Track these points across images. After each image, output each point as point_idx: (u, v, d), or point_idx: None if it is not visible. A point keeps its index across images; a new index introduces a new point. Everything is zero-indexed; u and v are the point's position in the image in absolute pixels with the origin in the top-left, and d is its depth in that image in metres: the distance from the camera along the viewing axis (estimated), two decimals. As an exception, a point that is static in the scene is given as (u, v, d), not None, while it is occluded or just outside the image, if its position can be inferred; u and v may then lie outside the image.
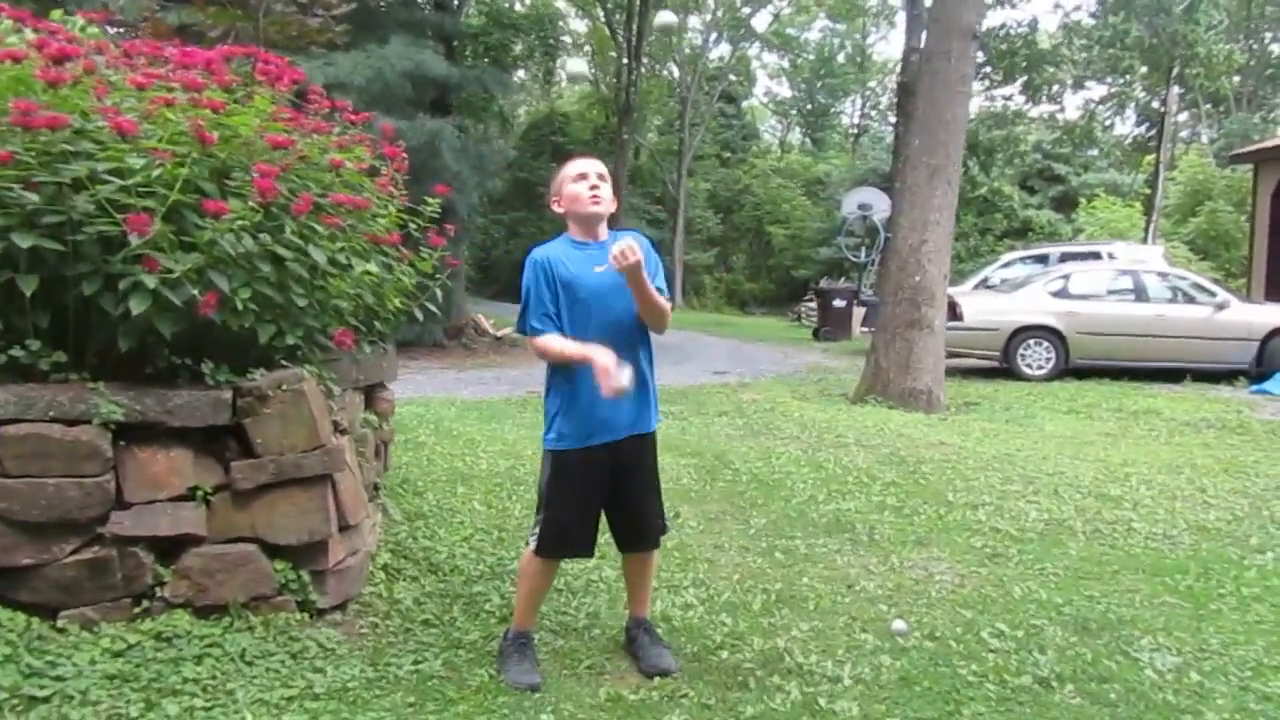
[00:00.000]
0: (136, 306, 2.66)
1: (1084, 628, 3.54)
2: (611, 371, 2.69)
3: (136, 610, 2.85)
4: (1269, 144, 16.46)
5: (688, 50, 34.47)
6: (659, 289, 2.91)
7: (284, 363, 3.15)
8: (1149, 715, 2.87)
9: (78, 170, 2.69)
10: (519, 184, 28.67)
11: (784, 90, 46.07)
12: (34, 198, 2.66)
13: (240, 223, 2.82)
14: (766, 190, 35.32)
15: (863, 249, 21.03)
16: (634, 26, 27.14)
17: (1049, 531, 4.91)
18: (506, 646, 2.97)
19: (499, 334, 15.40)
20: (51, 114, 2.65)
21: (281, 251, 2.97)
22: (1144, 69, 21.12)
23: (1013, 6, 19.33)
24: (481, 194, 13.60)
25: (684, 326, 21.04)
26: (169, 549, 2.89)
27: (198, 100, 2.97)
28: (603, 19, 31.05)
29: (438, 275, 3.94)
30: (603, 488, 2.97)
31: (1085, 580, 4.16)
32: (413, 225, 3.80)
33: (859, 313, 18.38)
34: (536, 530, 3.00)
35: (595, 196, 2.94)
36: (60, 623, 2.76)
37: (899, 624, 3.38)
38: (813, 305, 23.36)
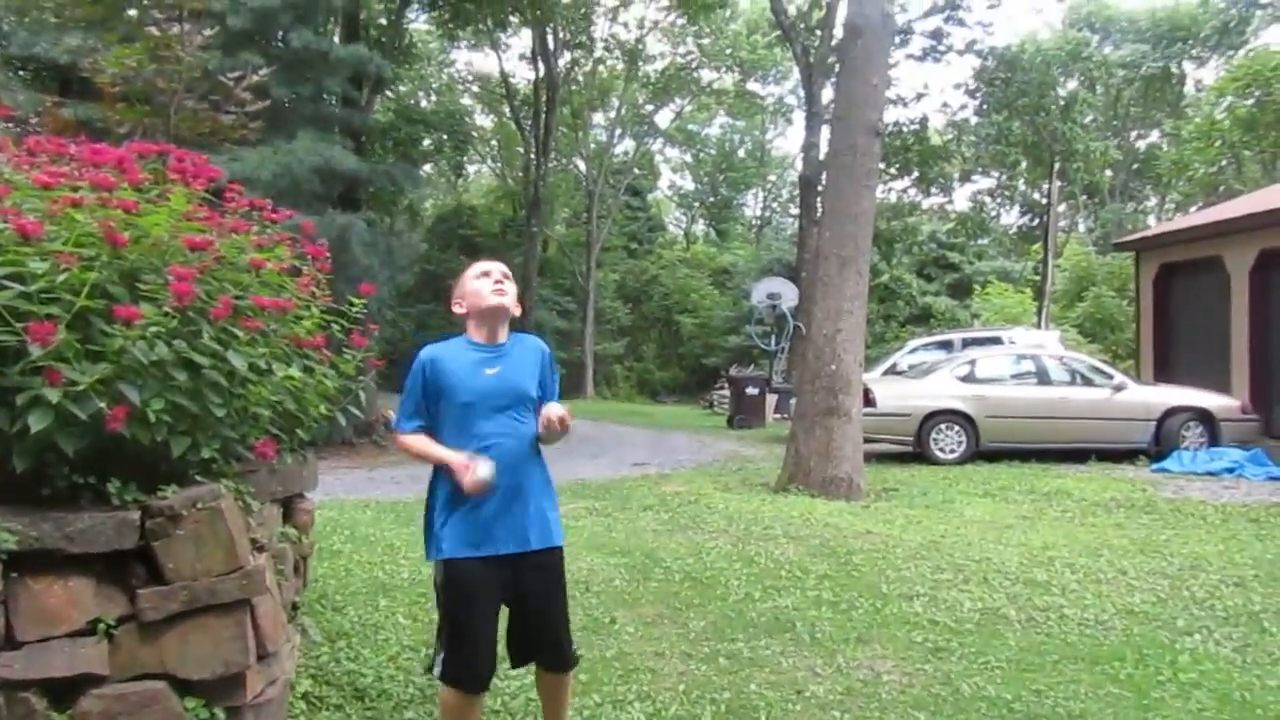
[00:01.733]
0: (36, 423, 2.42)
1: (1037, 726, 3.48)
2: (469, 465, 2.67)
3: (25, 765, 2.52)
4: (1149, 233, 17.46)
5: (593, 145, 35.17)
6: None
7: (198, 478, 2.92)
8: (1118, 820, 2.79)
9: (-28, 276, 2.47)
10: (427, 276, 28.47)
11: (687, 183, 47.32)
12: (-83, 306, 2.42)
13: (154, 329, 2.62)
14: (674, 280, 35.89)
15: (772, 337, 21.39)
16: (541, 122, 27.57)
17: (985, 621, 4.88)
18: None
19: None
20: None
21: (198, 359, 2.77)
22: (1026, 163, 22.38)
23: (904, 105, 20.29)
24: (391, 288, 13.40)
25: (598, 417, 20.94)
26: (64, 691, 2.59)
27: (107, 200, 2.78)
28: (509, 115, 31.54)
29: (360, 377, 3.77)
30: (496, 607, 2.82)
31: (1028, 673, 4.12)
32: (335, 326, 3.63)
33: (771, 400, 18.58)
34: (441, 658, 2.80)
35: (499, 288, 2.91)
36: (-67, 785, 2.43)
37: (855, 733, 3.26)
38: (724, 393, 23.57)
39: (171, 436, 2.75)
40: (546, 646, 2.88)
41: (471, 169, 39.60)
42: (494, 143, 35.73)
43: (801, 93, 32.89)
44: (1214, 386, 12.28)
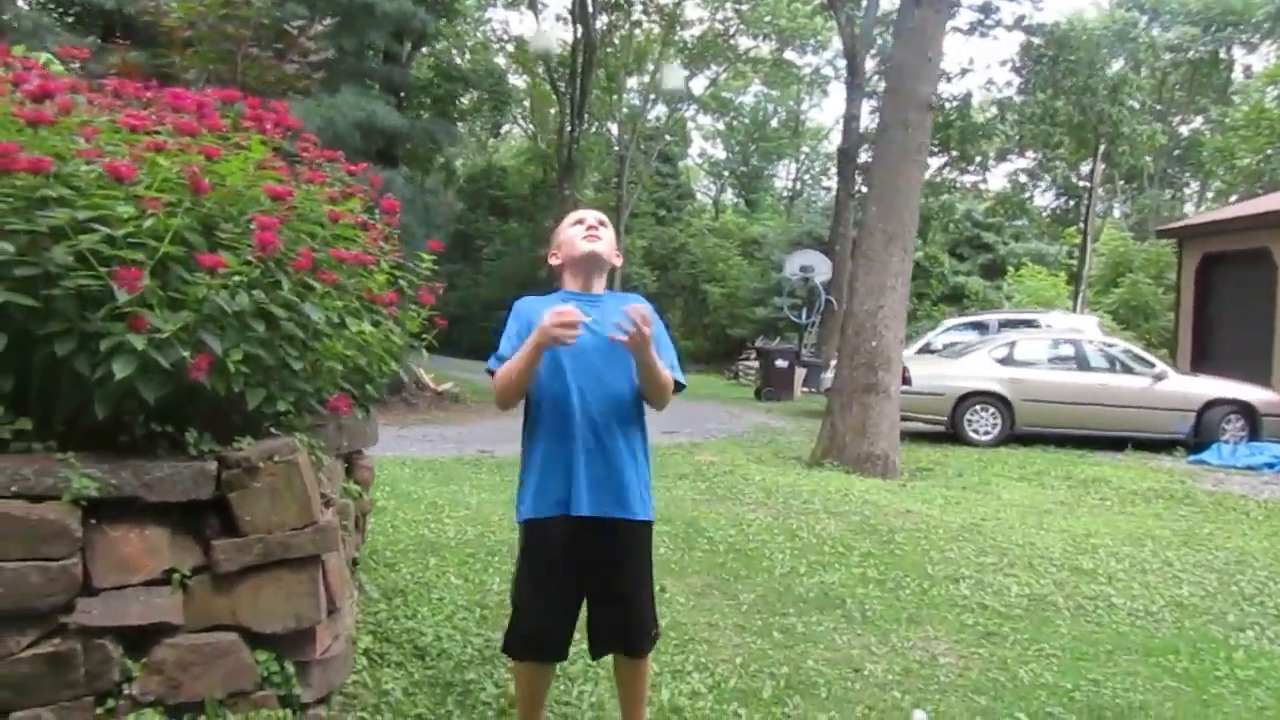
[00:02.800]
0: (121, 370, 2.39)
1: (1099, 716, 3.43)
2: (560, 312, 2.44)
3: (100, 710, 2.51)
4: (1194, 221, 17.16)
5: (626, 110, 34.85)
6: (670, 365, 2.69)
7: (272, 430, 2.89)
8: (1193, 817, 2.74)
9: (59, 217, 2.43)
10: (458, 236, 28.44)
11: (718, 152, 46.92)
12: (8, 247, 2.38)
13: (237, 278, 2.58)
14: (702, 249, 35.66)
15: (803, 310, 21.24)
16: (577, 84, 27.32)
17: (1034, 608, 4.83)
18: (514, 755, 2.71)
19: (440, 389, 15.03)
20: (34, 156, 2.39)
21: (276, 310, 2.73)
22: (1068, 145, 21.98)
23: (948, 80, 19.95)
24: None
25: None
26: (138, 640, 2.58)
27: (188, 145, 2.73)
28: (543, 76, 31.27)
29: (424, 336, 3.73)
30: (577, 576, 2.64)
31: (1083, 662, 4.07)
32: (402, 283, 3.58)
33: (800, 373, 18.48)
34: (508, 623, 2.73)
35: (591, 234, 2.76)
36: (11, 725, 2.43)
37: (920, 715, 3.22)
38: (750, 364, 23.49)
39: (248, 388, 2.72)
40: (628, 625, 2.69)
41: (501, 130, 39.39)
42: (525, 104, 35.49)
43: (839, 64, 32.48)
44: (1253, 380, 12.08)
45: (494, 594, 4.25)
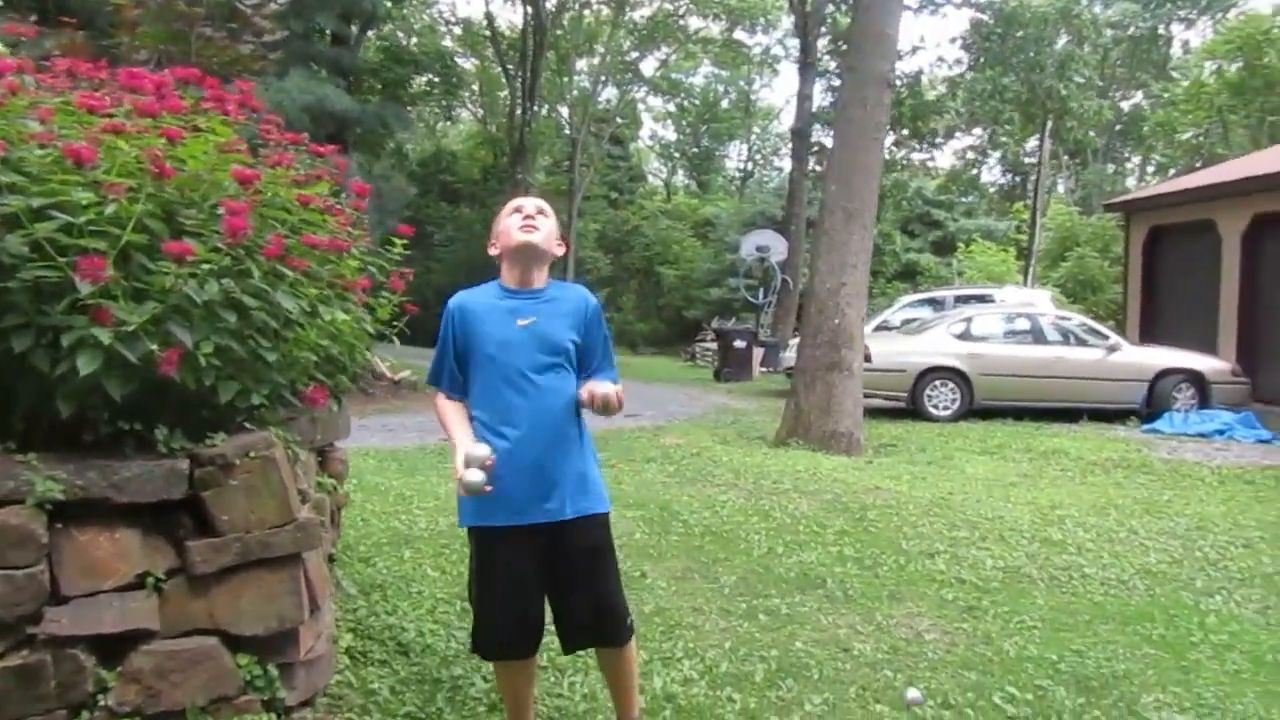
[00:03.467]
0: (86, 365, 2.26)
1: (1087, 687, 3.45)
2: (459, 470, 2.44)
3: (73, 723, 2.40)
4: (1140, 195, 17.45)
5: (576, 92, 34.55)
6: (610, 377, 2.69)
7: (245, 425, 2.77)
8: (1188, 785, 2.76)
9: (12, 205, 2.28)
10: (408, 223, 27.97)
11: (669, 134, 46.79)
12: (-43, 237, 2.24)
13: (206, 266, 2.45)
14: (655, 231, 35.59)
15: (760, 290, 21.27)
16: (528, 66, 27.00)
17: (1010, 580, 4.86)
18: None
19: (396, 377, 14.80)
20: (-17, 139, 2.25)
21: (246, 300, 2.60)
22: (1017, 121, 22.24)
23: (900, 58, 20.00)
24: (380, 233, 13.12)
25: (582, 368, 20.80)
26: (113, 648, 2.46)
27: (148, 128, 2.59)
28: (492, 58, 30.85)
29: (394, 323, 3.61)
30: (533, 577, 2.60)
31: (1064, 632, 4.10)
32: (372, 268, 3.46)
33: (758, 353, 18.52)
34: (471, 627, 2.68)
35: (528, 224, 2.65)
36: (-22, 743, 2.30)
37: (913, 693, 3.21)
38: (707, 345, 23.52)
39: (219, 381, 2.60)
40: (600, 620, 2.63)
41: (442, 115, 38.84)
42: (474, 87, 35.02)
43: (790, 43, 32.52)
44: (1200, 349, 12.32)
45: (473, 586, 4.16)
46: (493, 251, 2.76)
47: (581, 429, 2.70)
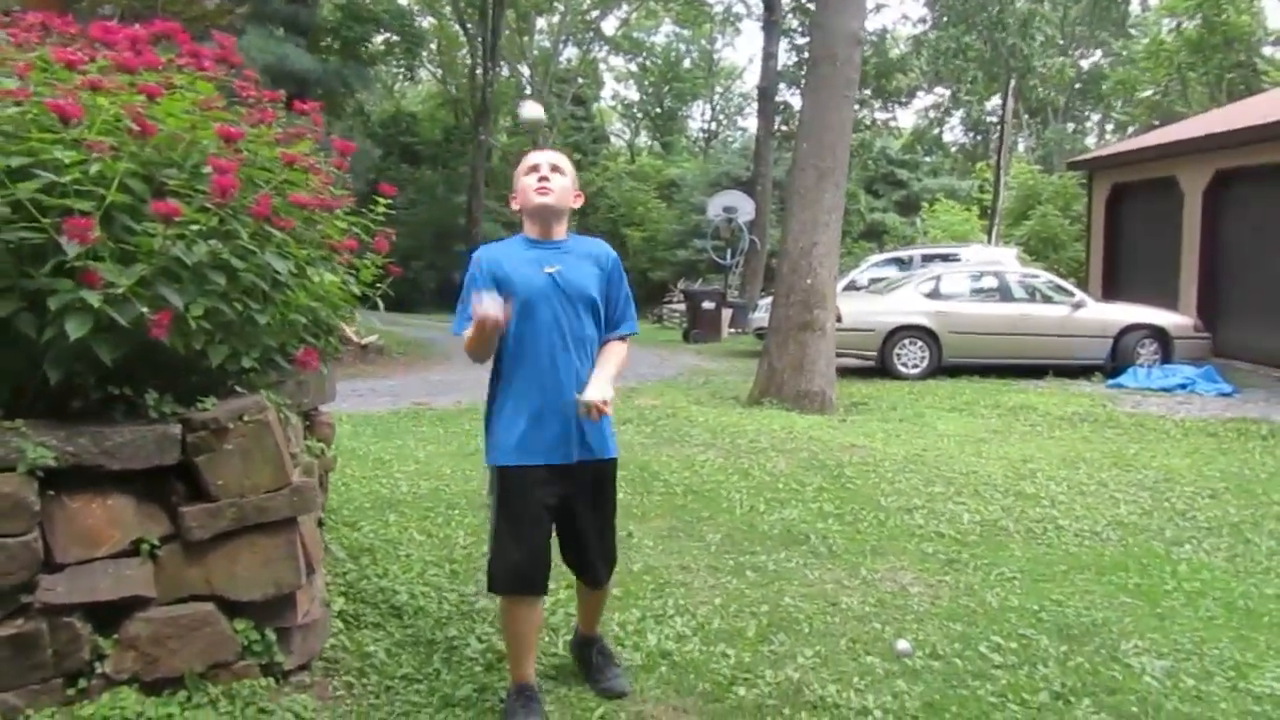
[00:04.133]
0: (75, 329, 2.20)
1: (1068, 635, 3.53)
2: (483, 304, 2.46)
3: (71, 692, 2.37)
4: (1103, 153, 17.61)
5: (537, 52, 34.09)
6: (628, 331, 2.87)
7: (237, 389, 2.73)
8: (1172, 726, 2.84)
9: (-7, 164, 2.21)
10: (370, 185, 27.62)
11: (632, 94, 46.36)
12: (-63, 198, 2.16)
13: (194, 227, 2.39)
14: (620, 193, 35.34)
15: (727, 251, 21.25)
16: (488, 24, 26.55)
17: (987, 534, 4.94)
18: (511, 704, 2.66)
19: (364, 342, 14.63)
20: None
21: (234, 261, 2.55)
22: (980, 79, 22.28)
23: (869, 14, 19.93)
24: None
25: (549, 331, 20.75)
26: (108, 616, 2.43)
27: (124, 85, 2.52)
28: (450, 16, 30.27)
29: (378, 285, 3.56)
30: (551, 514, 2.72)
31: (1042, 583, 4.18)
32: (354, 230, 3.40)
33: (727, 314, 18.56)
34: (489, 565, 2.73)
35: (543, 187, 2.73)
36: (-26, 714, 2.27)
37: (902, 644, 3.26)
38: (673, 307, 23.51)
39: (209, 345, 2.55)
40: (587, 561, 2.82)
41: (404, 74, 38.14)
42: (433, 46, 34.40)
43: (751, 1, 32.21)
44: (1162, 305, 12.53)
45: (460, 548, 4.15)
46: (514, 206, 2.84)
47: None
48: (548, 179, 2.73)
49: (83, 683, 2.38)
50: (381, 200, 3.32)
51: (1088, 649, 3.39)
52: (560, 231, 2.79)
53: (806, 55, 22.58)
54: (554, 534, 2.78)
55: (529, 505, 2.66)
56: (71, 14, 3.24)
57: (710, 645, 3.23)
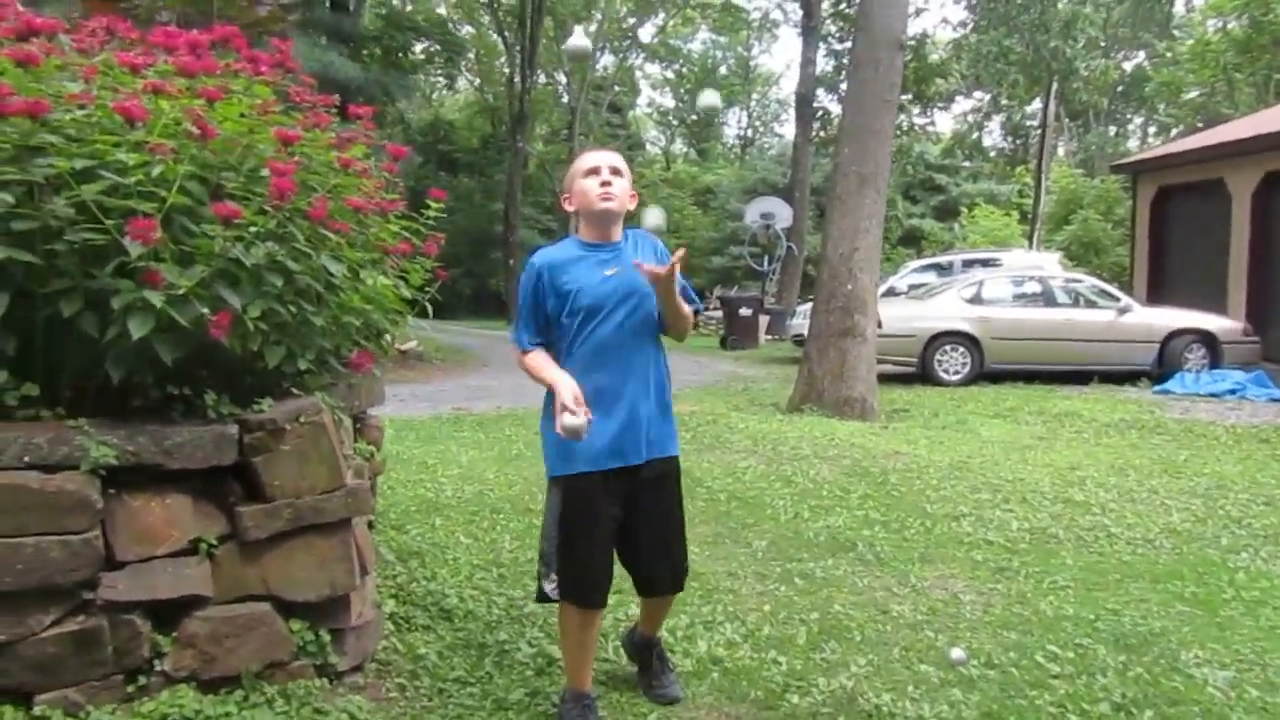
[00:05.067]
0: (138, 329, 2.23)
1: (1126, 644, 3.45)
2: (569, 408, 2.44)
3: (130, 689, 2.39)
4: (1148, 155, 17.34)
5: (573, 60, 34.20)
6: (694, 308, 2.78)
7: (294, 390, 2.74)
8: (1239, 739, 2.77)
9: (60, 165, 2.24)
10: (408, 193, 27.84)
11: (667, 101, 46.41)
12: (6, 198, 2.20)
13: (254, 229, 2.41)
14: (657, 200, 35.38)
15: (765, 258, 21.17)
16: (526, 32, 26.70)
17: (1037, 541, 4.86)
18: (567, 710, 2.64)
19: (404, 348, 14.75)
20: (29, 98, 2.20)
21: (290, 264, 2.56)
22: (1022, 83, 22.03)
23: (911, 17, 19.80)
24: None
25: (586, 337, 20.82)
26: (167, 614, 2.45)
27: (190, 88, 2.55)
28: (488, 25, 30.48)
29: (427, 289, 3.57)
30: (615, 520, 2.67)
31: (1096, 592, 4.10)
32: (405, 234, 3.41)
33: (764, 321, 18.48)
34: (554, 575, 2.67)
35: (606, 193, 2.66)
36: (37, 709, 2.29)
37: (957, 653, 3.20)
38: (711, 313, 23.47)
39: (265, 346, 2.57)
40: (659, 565, 2.75)
41: (444, 82, 38.51)
42: (471, 55, 34.70)
43: (789, 7, 32.17)
44: (1209, 309, 12.29)
45: (507, 553, 4.16)
46: (568, 207, 2.78)
47: (667, 372, 2.80)
48: (610, 184, 2.66)
49: (142, 680, 2.40)
50: (433, 204, 3.33)
51: (1146, 659, 3.31)
52: (617, 233, 2.73)
53: (845, 61, 22.57)
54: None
55: (598, 512, 2.62)
56: (130, 19, 3.28)
57: (761, 652, 3.20)
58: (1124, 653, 3.37)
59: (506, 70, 31.38)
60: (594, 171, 2.69)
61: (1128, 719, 2.85)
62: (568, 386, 2.49)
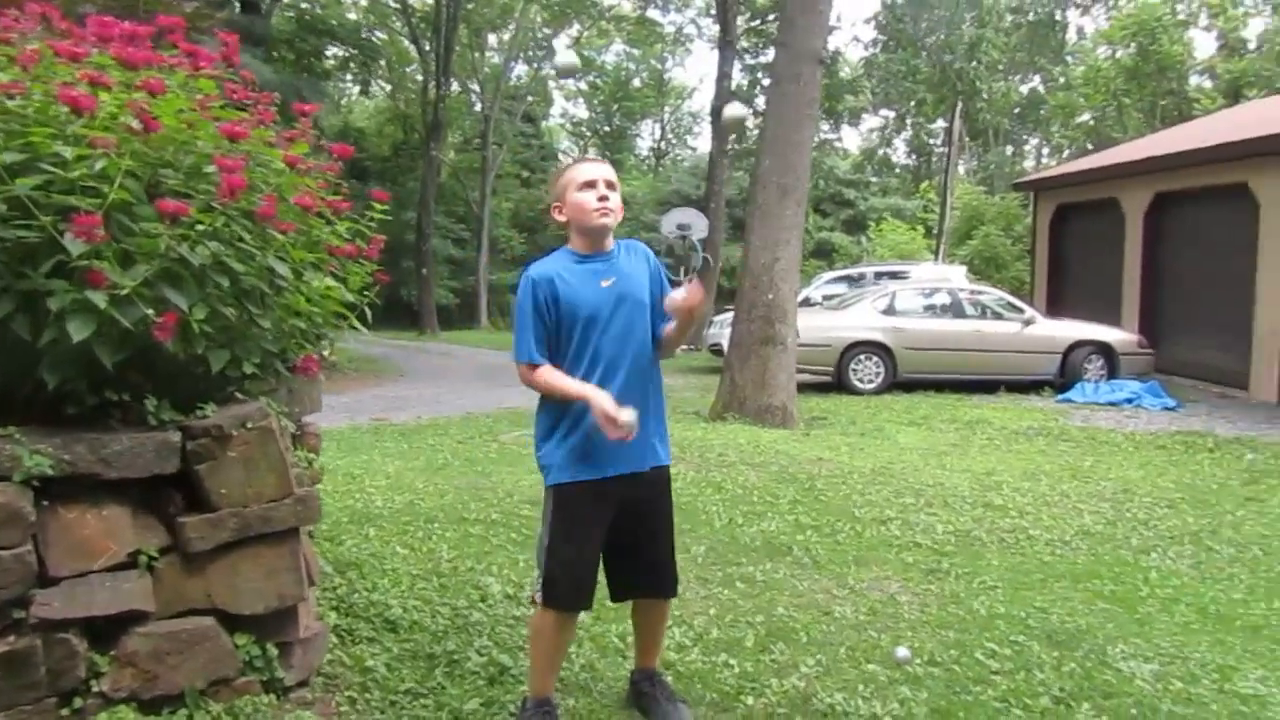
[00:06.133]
0: (78, 331, 2.11)
1: (1057, 641, 3.57)
2: (612, 413, 2.46)
3: (65, 712, 2.26)
4: (1048, 174, 18.07)
5: (488, 69, 33.98)
6: None
7: (237, 395, 2.65)
8: (1171, 728, 2.88)
9: (-7, 159, 2.12)
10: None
11: (581, 112, 46.44)
12: (-66, 193, 2.07)
13: (200, 227, 2.32)
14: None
15: (680, 269, 21.30)
16: (441, 39, 26.40)
17: (963, 544, 5.00)
18: (528, 717, 2.60)
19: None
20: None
21: (234, 265, 2.47)
22: (929, 101, 22.77)
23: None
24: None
25: (501, 347, 20.65)
26: (106, 631, 2.33)
27: (127, 81, 2.44)
28: (401, 31, 30.03)
29: (365, 293, 3.48)
30: (606, 527, 2.66)
31: (1024, 591, 4.23)
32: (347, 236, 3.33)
33: (681, 331, 18.55)
34: (540, 580, 2.66)
35: (603, 208, 2.65)
36: (-37, 736, 2.16)
37: (902, 652, 3.27)
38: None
39: (209, 349, 2.47)
40: (658, 569, 2.76)
41: (355, 89, 37.77)
42: (382, 62, 34.12)
43: (703, 22, 32.58)
44: (1105, 322, 12.84)
45: (446, 562, 4.08)
46: (559, 218, 2.75)
47: (661, 382, 2.80)
48: (606, 198, 2.65)
49: (78, 702, 2.28)
50: (377, 206, 3.26)
51: (1078, 654, 3.44)
52: (609, 244, 2.72)
53: (760, 76, 22.97)
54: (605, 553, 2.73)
55: (590, 521, 2.63)
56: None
57: (712, 655, 3.21)
58: (1056, 649, 3.48)
59: (420, 78, 30.97)
60: (590, 185, 2.67)
61: (1067, 711, 2.95)
62: (601, 393, 2.50)
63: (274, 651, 2.54)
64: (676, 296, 2.57)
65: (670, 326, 2.69)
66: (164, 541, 2.43)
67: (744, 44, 22.23)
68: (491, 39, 34.42)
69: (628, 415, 2.45)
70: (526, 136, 38.06)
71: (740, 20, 21.61)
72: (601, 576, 2.74)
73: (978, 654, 3.36)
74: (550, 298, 2.60)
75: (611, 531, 2.67)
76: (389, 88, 34.55)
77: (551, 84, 41.18)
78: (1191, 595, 4.27)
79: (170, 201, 2.24)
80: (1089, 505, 6.01)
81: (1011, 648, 3.45)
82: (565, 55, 2.71)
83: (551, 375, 2.61)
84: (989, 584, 4.28)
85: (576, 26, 35.26)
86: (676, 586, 2.84)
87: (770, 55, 20.45)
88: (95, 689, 2.30)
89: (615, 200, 2.69)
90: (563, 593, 2.62)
